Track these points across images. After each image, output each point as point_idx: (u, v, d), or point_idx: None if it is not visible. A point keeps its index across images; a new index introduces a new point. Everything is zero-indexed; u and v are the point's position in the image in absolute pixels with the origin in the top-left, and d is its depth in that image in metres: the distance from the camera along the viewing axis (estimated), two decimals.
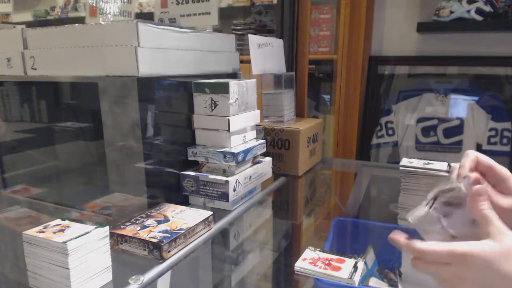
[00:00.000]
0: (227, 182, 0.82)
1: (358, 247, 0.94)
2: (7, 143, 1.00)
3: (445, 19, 1.59)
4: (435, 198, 0.48)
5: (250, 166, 0.92)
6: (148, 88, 0.77)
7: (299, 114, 1.37)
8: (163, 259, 0.63)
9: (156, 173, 0.81)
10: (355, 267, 0.70)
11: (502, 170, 0.51)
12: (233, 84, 0.84)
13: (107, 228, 0.57)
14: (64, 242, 0.52)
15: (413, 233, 0.50)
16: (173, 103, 0.84)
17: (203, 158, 0.87)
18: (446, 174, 0.87)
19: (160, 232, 0.67)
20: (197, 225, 0.71)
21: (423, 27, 1.67)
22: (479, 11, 1.54)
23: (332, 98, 2.08)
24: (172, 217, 0.73)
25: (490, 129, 1.65)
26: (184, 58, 0.87)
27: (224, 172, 0.86)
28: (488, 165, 0.52)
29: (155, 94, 0.79)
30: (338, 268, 0.71)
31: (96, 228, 0.56)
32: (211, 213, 0.76)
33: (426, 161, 0.95)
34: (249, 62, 1.09)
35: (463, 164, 0.51)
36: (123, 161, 0.78)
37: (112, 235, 0.65)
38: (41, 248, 0.54)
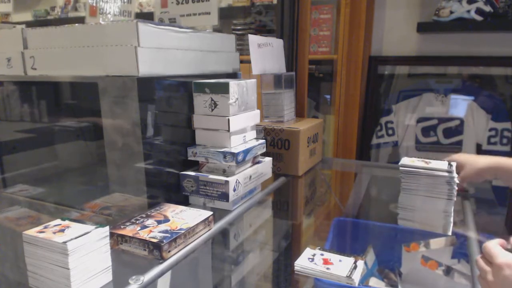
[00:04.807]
0: (227, 182, 0.82)
1: (358, 247, 0.94)
2: (7, 143, 1.00)
3: (445, 19, 1.59)
4: None
5: (250, 166, 0.92)
6: (148, 88, 0.77)
7: (299, 114, 1.37)
8: (163, 259, 0.63)
9: (156, 173, 0.81)
10: (355, 266, 0.71)
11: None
12: (233, 84, 0.84)
13: (107, 228, 0.57)
14: (64, 242, 0.52)
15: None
16: (173, 103, 0.84)
17: (203, 158, 0.87)
18: (446, 174, 0.87)
19: (160, 232, 0.67)
20: (197, 225, 0.71)
21: (423, 27, 1.67)
22: (479, 11, 1.54)
23: (332, 98, 2.08)
24: (172, 217, 0.73)
25: (490, 129, 1.65)
26: (184, 58, 0.87)
27: (224, 172, 0.86)
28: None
29: (155, 94, 0.79)
30: (338, 268, 0.71)
31: (96, 228, 0.56)
32: (211, 213, 0.76)
33: (426, 161, 0.95)
34: (249, 62, 1.08)
35: None
36: (123, 161, 0.78)
37: (112, 235, 0.65)
38: (41, 248, 0.54)
